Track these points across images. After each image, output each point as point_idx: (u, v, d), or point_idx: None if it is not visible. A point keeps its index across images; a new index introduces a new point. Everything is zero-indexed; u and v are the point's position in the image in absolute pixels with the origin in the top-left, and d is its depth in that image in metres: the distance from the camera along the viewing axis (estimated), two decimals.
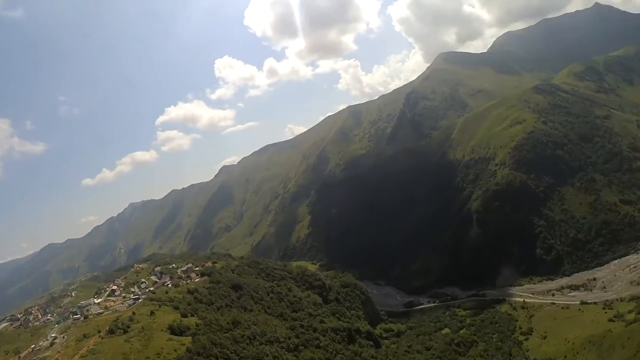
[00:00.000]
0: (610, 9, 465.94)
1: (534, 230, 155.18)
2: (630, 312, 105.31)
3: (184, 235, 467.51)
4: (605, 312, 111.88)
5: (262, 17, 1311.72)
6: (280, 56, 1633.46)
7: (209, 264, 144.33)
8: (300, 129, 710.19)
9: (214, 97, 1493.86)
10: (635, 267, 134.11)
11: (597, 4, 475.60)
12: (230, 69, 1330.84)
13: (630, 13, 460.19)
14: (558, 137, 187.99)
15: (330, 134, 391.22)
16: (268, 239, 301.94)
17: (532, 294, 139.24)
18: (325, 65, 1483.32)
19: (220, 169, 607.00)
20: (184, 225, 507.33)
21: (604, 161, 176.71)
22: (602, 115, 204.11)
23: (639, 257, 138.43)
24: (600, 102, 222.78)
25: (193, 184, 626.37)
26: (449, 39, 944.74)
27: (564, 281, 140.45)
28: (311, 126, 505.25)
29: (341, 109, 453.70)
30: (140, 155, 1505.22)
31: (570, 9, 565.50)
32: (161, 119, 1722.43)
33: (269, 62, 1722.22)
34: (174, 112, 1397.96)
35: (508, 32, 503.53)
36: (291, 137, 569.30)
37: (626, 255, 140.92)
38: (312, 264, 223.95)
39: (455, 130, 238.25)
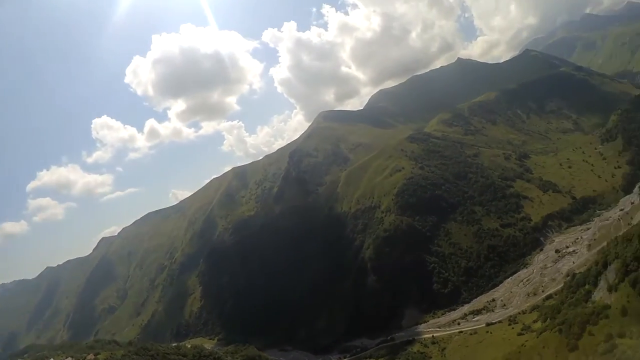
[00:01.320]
0: (470, 62, 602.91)
1: (427, 268, 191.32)
2: (535, 321, 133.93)
3: (63, 321, 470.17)
4: (512, 328, 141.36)
5: (143, 76, 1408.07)
6: (162, 117, 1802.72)
7: (91, 356, 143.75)
8: (185, 194, 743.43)
9: (90, 160, 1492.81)
10: (527, 280, 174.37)
11: (459, 59, 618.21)
12: (108, 130, 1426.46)
13: (488, 63, 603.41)
14: (435, 178, 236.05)
15: (216, 197, 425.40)
16: (158, 317, 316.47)
17: (439, 328, 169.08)
18: (209, 126, 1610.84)
19: (99, 242, 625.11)
20: (62, 309, 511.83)
21: (480, 193, 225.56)
22: (472, 153, 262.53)
23: (528, 270, 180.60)
24: (469, 142, 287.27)
25: (69, 260, 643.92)
26: (328, 98, 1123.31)
27: (465, 309, 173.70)
28: (196, 190, 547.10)
29: (226, 170, 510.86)
30: (9, 226, 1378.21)
31: (436, 65, 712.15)
32: (32, 184, 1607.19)
33: (150, 123, 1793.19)
34: (47, 176, 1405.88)
35: (381, 89, 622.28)
36: (175, 203, 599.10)
37: (517, 272, 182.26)
38: (210, 339, 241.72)
39: (340, 184, 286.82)
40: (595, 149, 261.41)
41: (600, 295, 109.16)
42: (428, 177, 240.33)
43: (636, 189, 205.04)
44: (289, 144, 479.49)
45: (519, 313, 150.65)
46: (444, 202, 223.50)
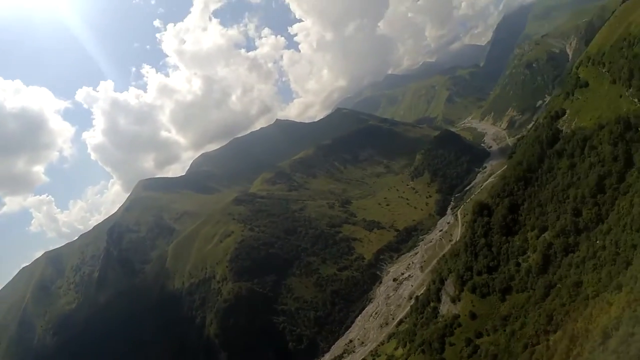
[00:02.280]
0: (288, 122, 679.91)
1: (278, 329, 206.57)
2: (396, 349, 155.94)
3: None
4: None
5: None
6: None
7: None
8: None
9: None
10: (376, 313, 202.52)
11: (278, 120, 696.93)
12: None
13: (305, 123, 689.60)
14: (267, 238, 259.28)
15: (29, 291, 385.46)
16: None
17: None
18: (14, 202, 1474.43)
19: None
20: None
21: (312, 244, 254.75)
22: (298, 208, 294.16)
23: (374, 304, 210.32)
24: (294, 198, 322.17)
25: None
26: (148, 165, 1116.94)
27: (327, 358, 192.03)
28: (3, 284, 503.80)
29: (38, 256, 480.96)
30: None
31: (256, 126, 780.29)
32: None
33: None
34: None
35: (204, 153, 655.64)
36: None
37: (364, 309, 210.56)
38: None
39: (168, 258, 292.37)
40: (407, 185, 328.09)
41: (446, 308, 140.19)
42: (259, 237, 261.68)
43: (449, 210, 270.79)
44: (106, 219, 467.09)
45: (379, 345, 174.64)
46: (279, 259, 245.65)
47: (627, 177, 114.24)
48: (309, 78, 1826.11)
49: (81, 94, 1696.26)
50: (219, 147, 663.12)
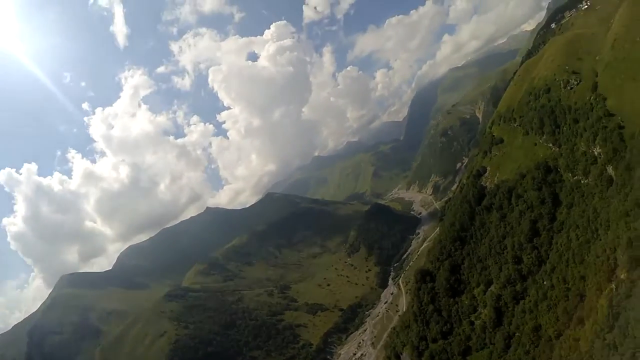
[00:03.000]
0: (219, 209, 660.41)
1: None
2: None
3: None
4: None
5: None
6: None
7: None
8: None
9: None
10: None
11: (208, 208, 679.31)
12: None
13: (236, 209, 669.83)
14: (203, 335, 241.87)
15: None
16: None
17: None
18: None
19: None
20: None
21: (254, 337, 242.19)
22: (235, 299, 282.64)
23: None
24: (230, 289, 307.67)
25: None
26: (72, 257, 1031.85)
27: None
28: None
29: None
30: None
31: (186, 215, 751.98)
32: None
33: None
34: None
35: (131, 245, 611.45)
36: None
37: None
38: None
39: None
40: (345, 262, 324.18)
41: None
42: (195, 335, 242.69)
43: (390, 281, 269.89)
44: (27, 318, 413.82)
45: None
46: (219, 357, 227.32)
47: (558, 215, 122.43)
48: (238, 164, 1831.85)
49: (2, 176, 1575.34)
50: (147, 238, 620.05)
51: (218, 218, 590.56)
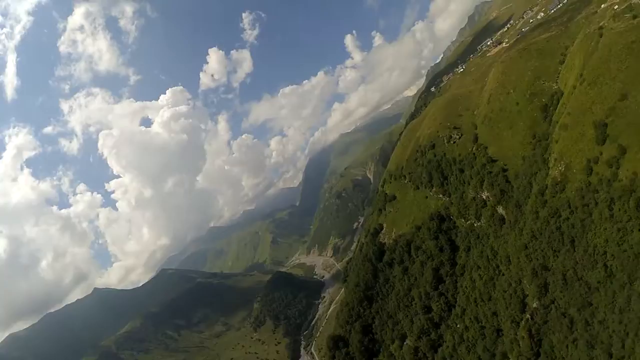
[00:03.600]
0: (108, 290, 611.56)
1: None
2: None
3: None
4: None
5: None
6: None
7: None
8: None
9: None
10: None
11: (96, 288, 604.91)
12: None
13: (128, 289, 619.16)
14: None
15: None
16: None
17: None
18: None
19: None
20: None
21: None
22: None
23: None
24: None
25: None
26: None
27: None
28: None
29: None
30: None
31: (72, 298, 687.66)
32: None
33: None
34: None
35: (11, 334, 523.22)
36: None
37: None
38: None
39: None
40: (252, 338, 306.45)
41: None
42: None
43: (302, 351, 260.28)
44: None
45: None
46: None
47: (458, 260, 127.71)
48: (128, 238, 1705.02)
49: None
50: (29, 325, 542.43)
51: (108, 300, 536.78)
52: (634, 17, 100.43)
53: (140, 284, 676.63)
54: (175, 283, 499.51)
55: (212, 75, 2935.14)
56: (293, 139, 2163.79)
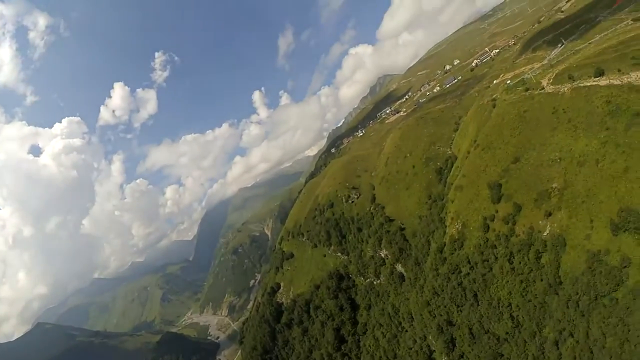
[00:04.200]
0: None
1: None
2: None
3: None
4: None
5: None
6: None
7: None
8: None
9: None
10: None
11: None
12: None
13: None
14: None
15: None
16: None
17: None
18: None
19: None
20: None
21: None
22: None
23: None
24: None
25: None
26: None
27: None
28: None
29: None
30: None
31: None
32: None
33: None
34: None
35: None
36: None
37: None
38: None
39: None
40: None
41: None
42: None
43: None
44: None
45: None
46: None
47: (359, 318, 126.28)
48: (2, 282, 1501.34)
49: None
50: None
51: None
52: (526, 89, 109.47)
53: (14, 338, 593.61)
54: (53, 340, 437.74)
55: (114, 111, 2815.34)
56: (190, 189, 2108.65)
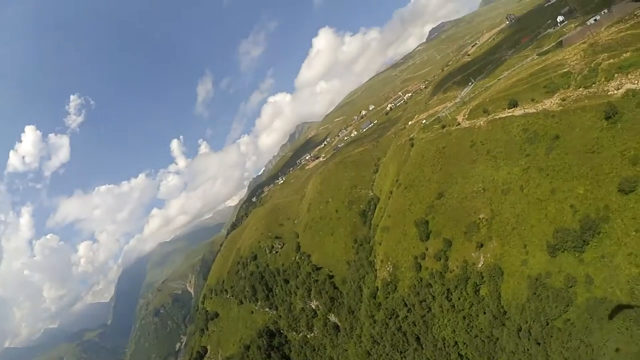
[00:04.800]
0: None
1: None
2: None
3: None
4: None
5: None
6: None
7: None
8: None
9: None
10: None
11: None
12: None
13: None
14: None
15: None
16: None
17: None
18: None
19: None
20: None
21: None
22: None
23: None
24: None
25: None
26: None
27: None
28: None
29: None
30: None
31: None
32: None
33: None
34: None
35: None
36: None
37: None
38: None
39: None
40: None
41: None
42: None
43: None
44: None
45: None
46: None
47: None
48: None
49: None
50: None
51: None
52: (443, 127, 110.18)
53: None
54: None
55: (24, 158, 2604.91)
56: (105, 245, 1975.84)
